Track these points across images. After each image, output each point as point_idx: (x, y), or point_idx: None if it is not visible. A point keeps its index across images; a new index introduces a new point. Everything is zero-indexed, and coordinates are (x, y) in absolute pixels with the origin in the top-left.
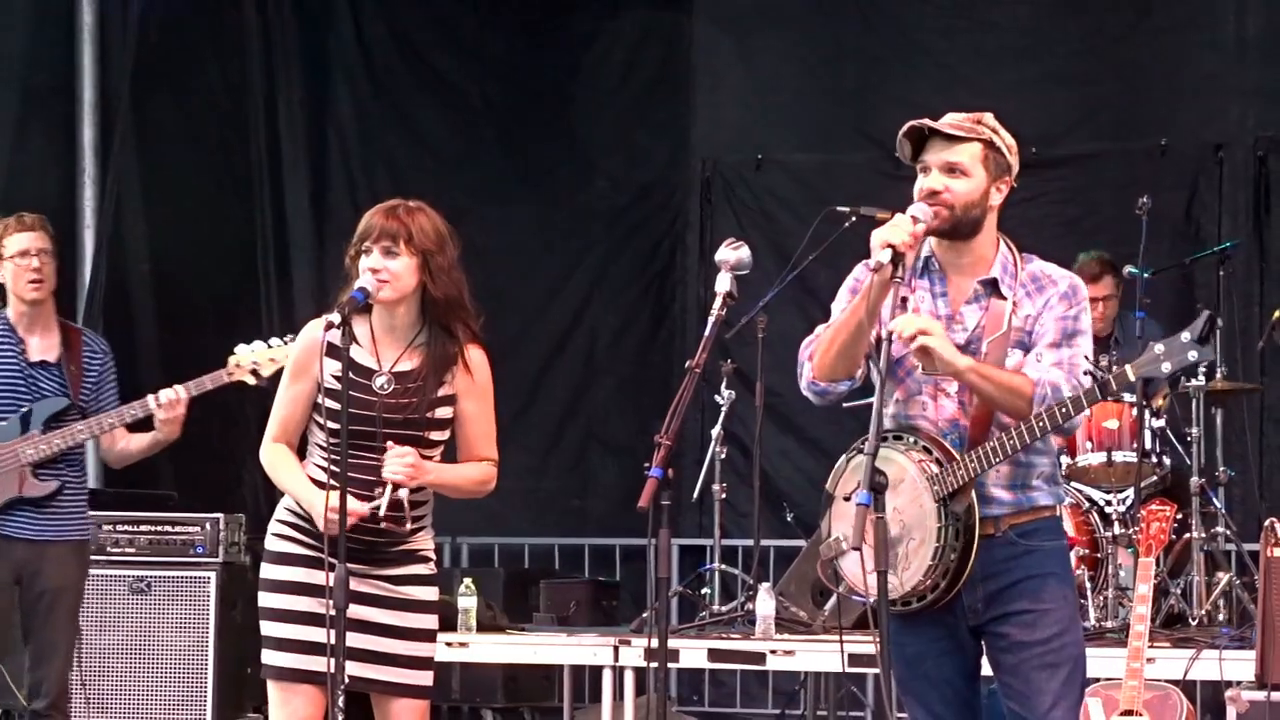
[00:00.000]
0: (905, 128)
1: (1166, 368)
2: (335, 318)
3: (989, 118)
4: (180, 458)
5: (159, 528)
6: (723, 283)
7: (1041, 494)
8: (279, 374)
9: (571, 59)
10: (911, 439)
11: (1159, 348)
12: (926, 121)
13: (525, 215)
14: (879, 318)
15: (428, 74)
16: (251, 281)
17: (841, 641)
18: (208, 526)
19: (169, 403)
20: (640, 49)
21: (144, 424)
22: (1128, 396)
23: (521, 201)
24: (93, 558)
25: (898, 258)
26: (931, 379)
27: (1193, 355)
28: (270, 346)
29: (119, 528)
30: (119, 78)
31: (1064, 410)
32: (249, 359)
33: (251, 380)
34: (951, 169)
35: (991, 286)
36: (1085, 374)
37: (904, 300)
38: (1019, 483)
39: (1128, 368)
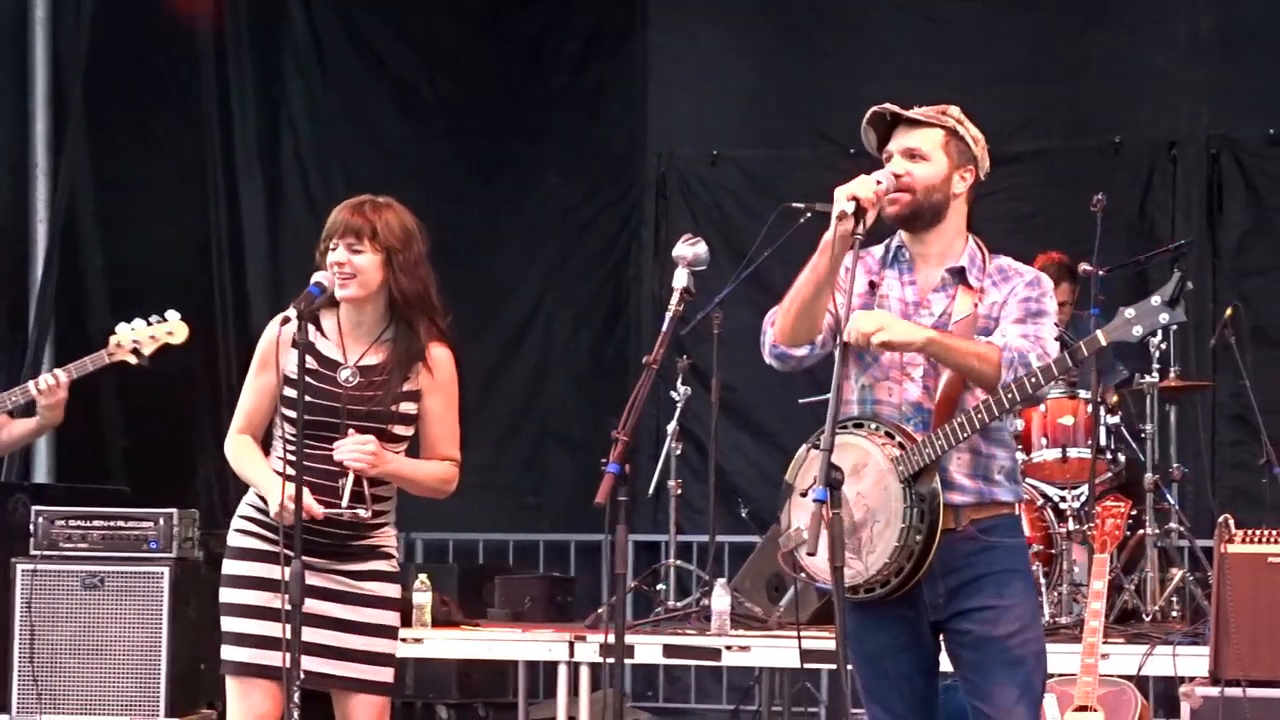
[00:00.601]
0: (869, 114)
1: (1138, 331)
2: (292, 312)
3: (954, 109)
4: (134, 453)
5: (112, 523)
6: (680, 278)
7: (1002, 489)
8: (160, 352)
9: (525, 54)
10: (873, 425)
11: (1130, 311)
12: (889, 106)
13: (479, 211)
14: (840, 285)
15: (380, 68)
16: (205, 276)
17: (799, 636)
18: (161, 522)
19: (49, 388)
20: (593, 44)
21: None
22: (1083, 393)
23: (475, 197)
24: (45, 553)
25: (860, 212)
26: (896, 363)
27: (1164, 318)
28: (150, 324)
29: (72, 523)
30: (72, 71)
31: (1033, 380)
32: (129, 338)
33: (133, 360)
34: (912, 154)
35: (959, 275)
36: (1054, 339)
37: (872, 285)
38: (980, 473)
39: (1099, 333)
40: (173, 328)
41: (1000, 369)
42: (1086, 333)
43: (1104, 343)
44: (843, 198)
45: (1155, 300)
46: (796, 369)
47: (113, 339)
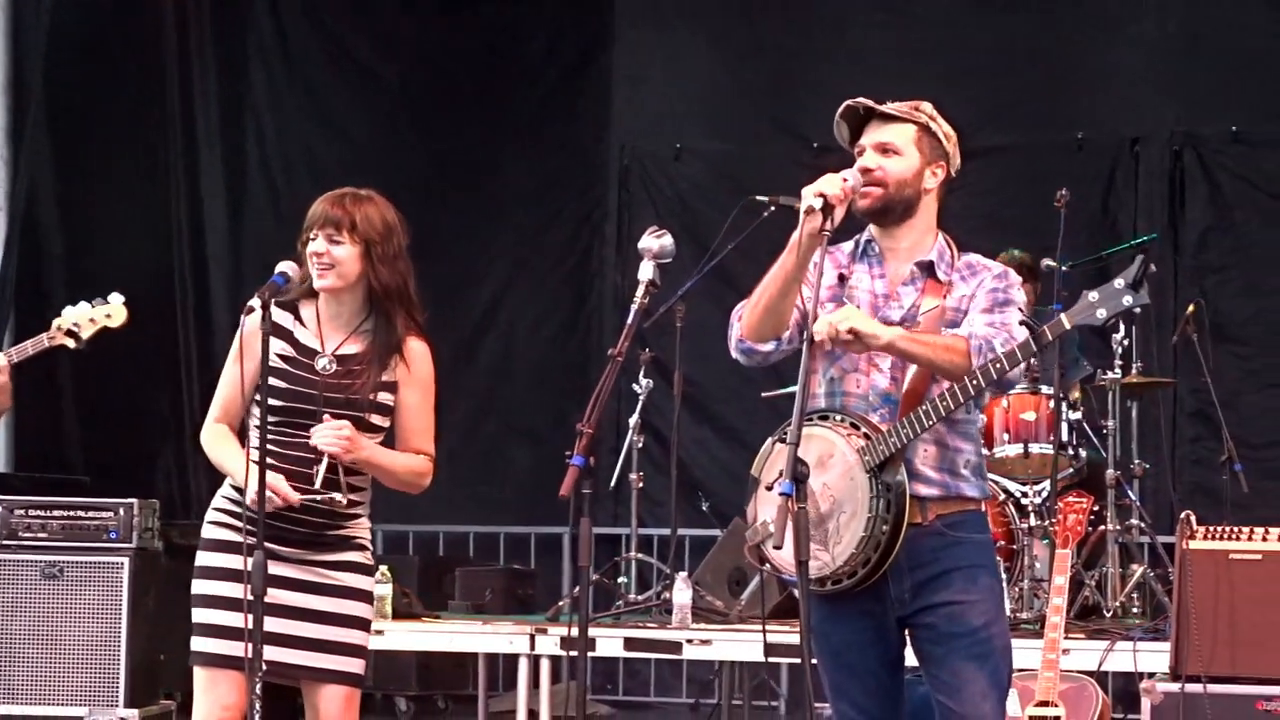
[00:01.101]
0: (842, 107)
1: (1101, 314)
2: (255, 302)
3: (927, 105)
4: (94, 443)
5: (72, 513)
6: (645, 271)
7: (968, 485)
8: (99, 336)
9: (490, 46)
10: (838, 417)
11: (1093, 294)
12: (862, 100)
13: (442, 202)
14: (809, 280)
15: (344, 59)
16: (166, 265)
17: (764, 630)
18: (121, 512)
19: None
20: (559, 36)
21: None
22: (1045, 389)
23: (438, 188)
24: (4, 543)
25: (828, 209)
26: (864, 354)
27: (1127, 300)
28: (93, 306)
29: (31, 513)
30: (32, 60)
31: (998, 365)
32: (69, 320)
33: (71, 343)
34: (885, 149)
35: (928, 269)
36: (1020, 324)
37: (841, 278)
38: (946, 466)
39: (1062, 316)
40: (111, 310)
41: (969, 358)
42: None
43: (1068, 326)
44: (810, 195)
45: (1118, 283)
46: (762, 364)
47: (55, 322)
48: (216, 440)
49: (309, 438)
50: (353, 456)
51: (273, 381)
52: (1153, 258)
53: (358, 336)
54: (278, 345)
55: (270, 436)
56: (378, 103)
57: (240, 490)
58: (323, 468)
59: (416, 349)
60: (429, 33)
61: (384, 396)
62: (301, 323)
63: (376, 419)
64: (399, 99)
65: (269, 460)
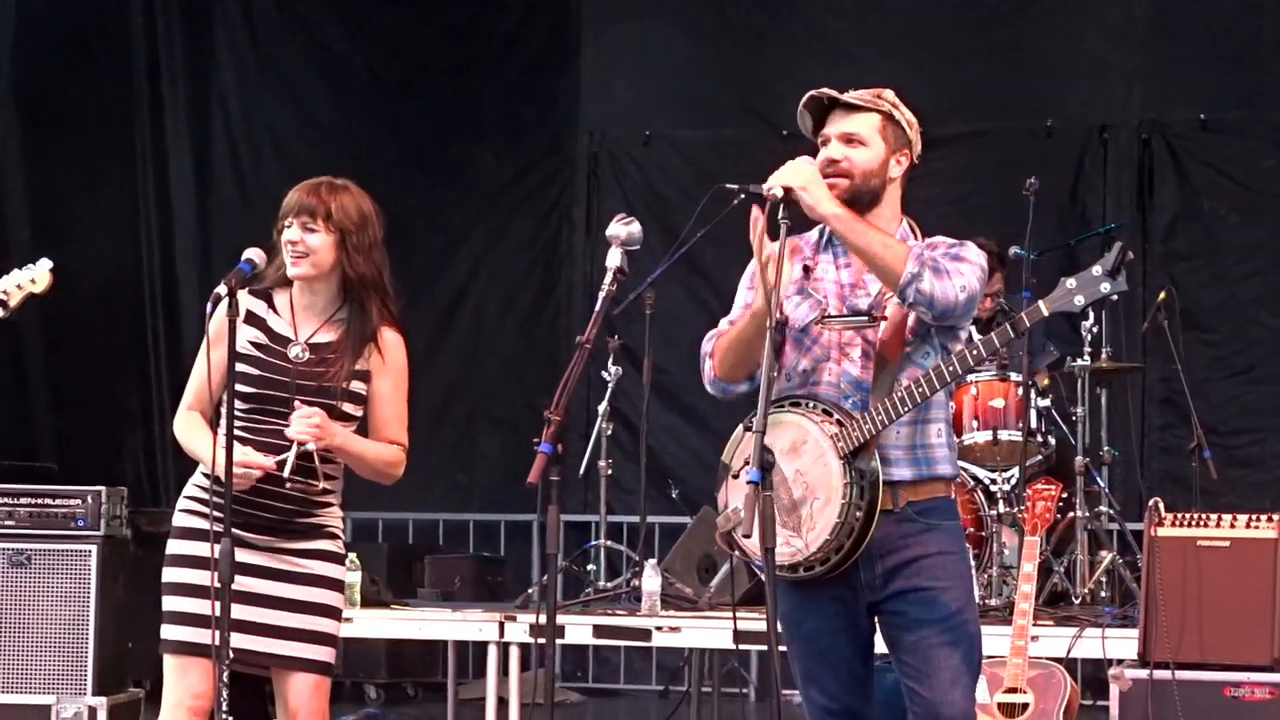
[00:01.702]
0: (805, 98)
1: (1079, 300)
2: (222, 289)
3: (889, 93)
4: (62, 430)
5: (39, 500)
6: (613, 258)
7: (941, 462)
8: (25, 303)
9: (457, 31)
10: (811, 404)
11: (1071, 282)
12: (826, 91)
13: (409, 189)
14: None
15: (312, 45)
16: (134, 251)
17: (735, 617)
18: (89, 499)
19: None
20: (527, 22)
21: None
22: (1014, 376)
23: (406, 175)
24: None
25: (789, 200)
26: (835, 344)
27: (1105, 287)
28: (21, 271)
29: None
30: (0, 46)
31: (975, 353)
32: None
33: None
34: (850, 139)
35: None
36: (977, 286)
37: (806, 269)
38: (920, 443)
39: (1040, 303)
40: (36, 275)
41: (905, 260)
42: (1019, 312)
43: (1046, 313)
44: (775, 184)
45: (1096, 270)
46: (735, 399)
47: None
48: (188, 428)
49: (282, 425)
50: (324, 444)
51: (245, 369)
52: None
53: (331, 325)
54: (250, 333)
55: (243, 423)
56: (346, 90)
57: (212, 477)
58: (292, 455)
59: (391, 339)
60: (398, 19)
61: (357, 385)
62: (275, 310)
63: (349, 408)
64: (367, 86)
65: (234, 445)
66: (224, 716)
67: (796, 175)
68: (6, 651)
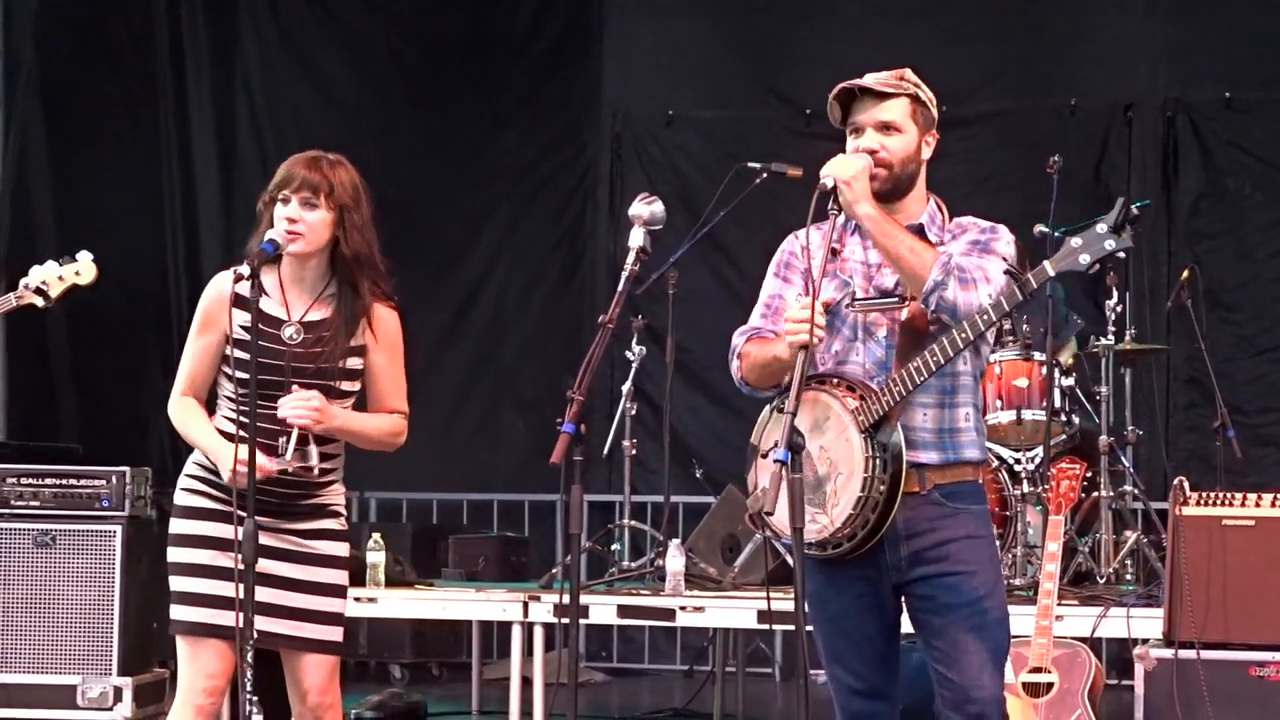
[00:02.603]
0: (835, 90)
1: (1085, 259)
2: (245, 269)
3: (909, 73)
4: (86, 411)
5: (64, 481)
6: (636, 238)
7: (969, 446)
8: (67, 294)
9: (481, 12)
10: (835, 380)
11: (1076, 240)
12: (856, 82)
13: (433, 169)
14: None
15: (335, 25)
16: (158, 232)
17: (769, 597)
18: (114, 480)
19: None
20: (550, 2)
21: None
22: (1038, 355)
23: (430, 156)
24: None
25: (835, 190)
26: (860, 324)
27: (1110, 244)
28: (60, 265)
29: (23, 480)
30: (24, 26)
31: (986, 317)
32: (36, 279)
33: (39, 302)
34: (885, 127)
35: (919, 233)
36: (1005, 273)
37: (834, 252)
38: (947, 426)
39: (1046, 264)
40: (81, 268)
41: (931, 266)
42: (1041, 292)
43: (1052, 272)
44: (826, 175)
45: (1100, 227)
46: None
47: (22, 281)
48: (186, 414)
49: (275, 407)
50: (323, 427)
51: (239, 354)
52: (1145, 224)
53: (323, 302)
54: (240, 317)
55: (240, 408)
56: (370, 70)
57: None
58: (292, 439)
59: (382, 313)
60: (422, 1)
61: (353, 362)
62: (264, 291)
63: (346, 385)
64: (391, 66)
65: (241, 433)
66: (248, 696)
67: (845, 169)
68: (32, 632)
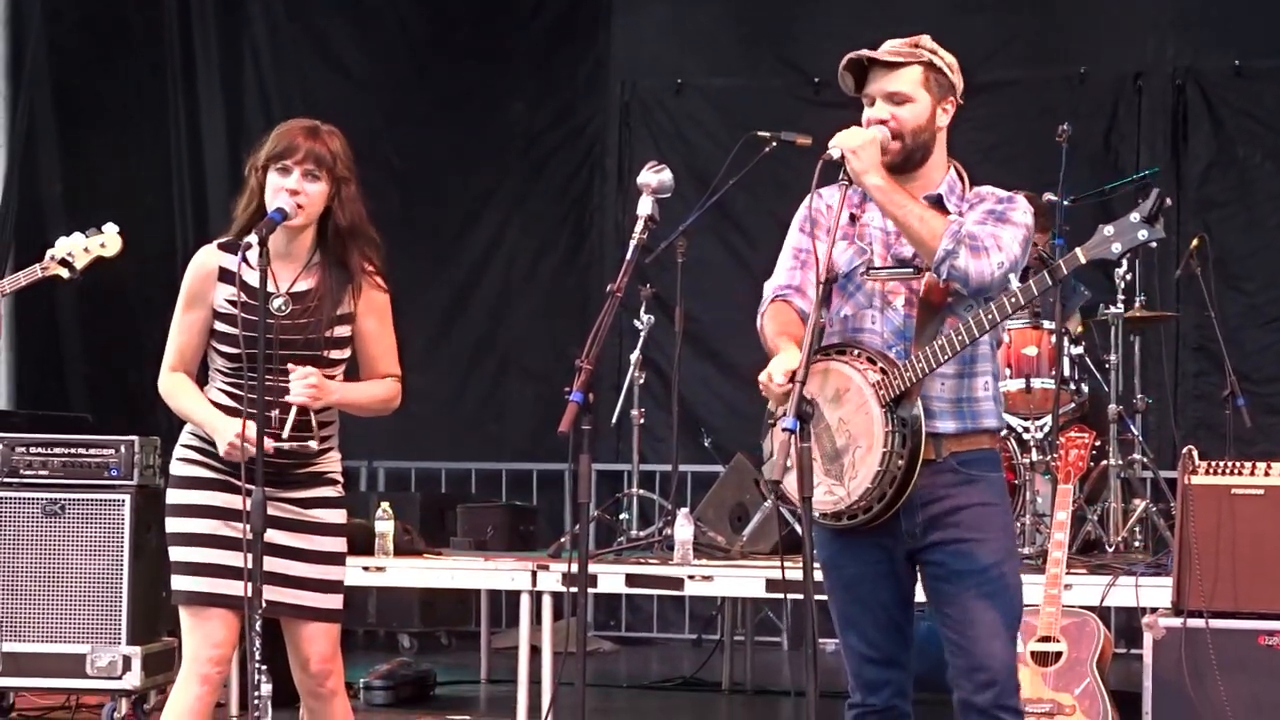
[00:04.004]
0: (844, 60)
1: (1117, 248)
2: (254, 239)
3: (926, 39)
4: (95, 380)
5: (73, 450)
6: (644, 206)
7: (987, 415)
8: (93, 265)
9: None
10: (855, 351)
11: (1108, 229)
12: (864, 52)
13: (441, 139)
14: (823, 223)
15: None
16: (166, 201)
17: (783, 566)
18: (122, 449)
19: None
20: None
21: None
22: (1047, 324)
23: (438, 125)
24: (5, 480)
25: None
26: (878, 292)
27: (1142, 234)
28: (87, 236)
29: (32, 450)
30: None
31: (1013, 300)
32: (63, 251)
33: (65, 273)
34: (894, 97)
35: (937, 203)
36: (1036, 259)
37: (853, 217)
38: (965, 395)
39: (1078, 251)
40: (106, 240)
41: (941, 235)
42: (1051, 260)
43: (1083, 260)
44: (835, 145)
45: (1134, 217)
46: None
47: (49, 253)
48: (179, 390)
49: (268, 381)
50: (322, 403)
51: (225, 328)
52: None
53: (309, 272)
54: (227, 291)
55: (229, 380)
56: (377, 39)
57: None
58: (291, 418)
59: (368, 280)
60: None
61: (341, 330)
62: (248, 264)
63: (335, 354)
64: (398, 36)
65: (235, 406)
66: (257, 665)
67: (852, 139)
68: (41, 601)
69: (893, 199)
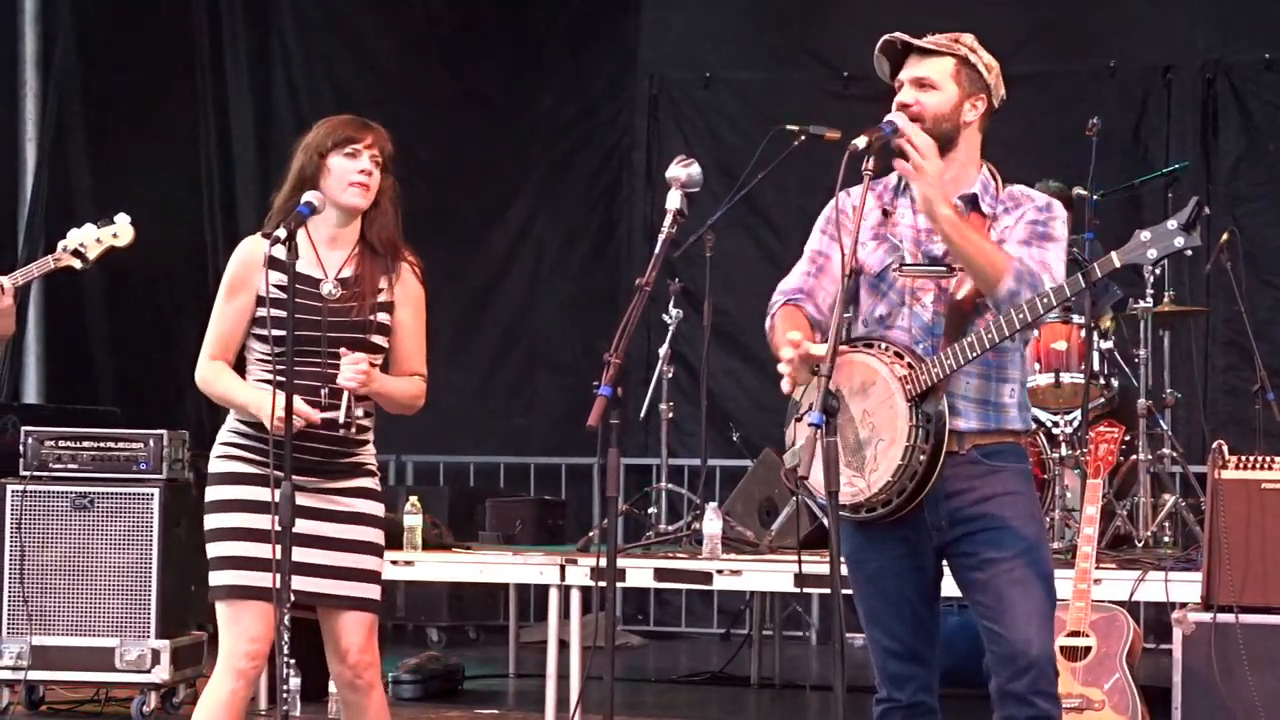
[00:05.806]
0: (880, 43)
1: (1152, 254)
2: (281, 232)
3: (968, 37)
4: (124, 374)
5: (102, 444)
6: (673, 200)
7: (1012, 418)
8: (105, 256)
9: None
10: (883, 345)
11: (1145, 234)
12: (899, 36)
13: (470, 132)
14: (848, 219)
15: None
16: (194, 195)
17: (800, 560)
18: (151, 443)
19: None
20: None
21: None
22: (1076, 318)
23: (465, 119)
24: (35, 474)
25: (870, 149)
26: (908, 288)
27: (1179, 242)
28: (99, 227)
29: (61, 443)
30: None
31: (1045, 300)
32: (74, 242)
33: (77, 264)
34: (921, 84)
35: (971, 202)
36: (1068, 260)
37: (885, 213)
38: (991, 398)
39: (1114, 255)
40: (119, 230)
41: (1005, 275)
42: (1081, 254)
43: (1118, 264)
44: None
45: (1171, 224)
46: None
47: (60, 244)
48: (219, 377)
49: (312, 364)
50: (368, 390)
51: (275, 313)
52: (1185, 186)
53: (354, 258)
54: (275, 277)
55: (275, 368)
56: (406, 33)
57: (248, 424)
58: (345, 401)
59: (406, 269)
60: None
61: (383, 317)
62: (297, 254)
63: (378, 339)
64: (427, 30)
65: (279, 391)
66: (285, 659)
67: (925, 167)
68: (71, 594)
69: (960, 231)
